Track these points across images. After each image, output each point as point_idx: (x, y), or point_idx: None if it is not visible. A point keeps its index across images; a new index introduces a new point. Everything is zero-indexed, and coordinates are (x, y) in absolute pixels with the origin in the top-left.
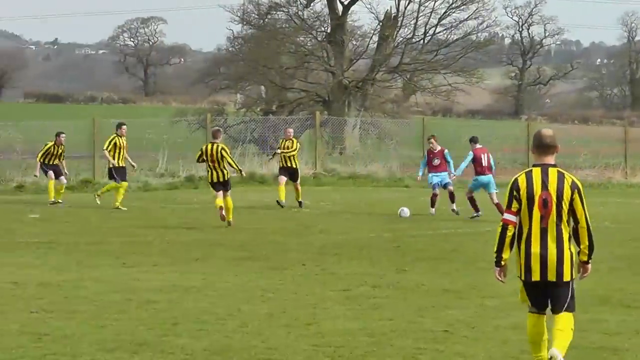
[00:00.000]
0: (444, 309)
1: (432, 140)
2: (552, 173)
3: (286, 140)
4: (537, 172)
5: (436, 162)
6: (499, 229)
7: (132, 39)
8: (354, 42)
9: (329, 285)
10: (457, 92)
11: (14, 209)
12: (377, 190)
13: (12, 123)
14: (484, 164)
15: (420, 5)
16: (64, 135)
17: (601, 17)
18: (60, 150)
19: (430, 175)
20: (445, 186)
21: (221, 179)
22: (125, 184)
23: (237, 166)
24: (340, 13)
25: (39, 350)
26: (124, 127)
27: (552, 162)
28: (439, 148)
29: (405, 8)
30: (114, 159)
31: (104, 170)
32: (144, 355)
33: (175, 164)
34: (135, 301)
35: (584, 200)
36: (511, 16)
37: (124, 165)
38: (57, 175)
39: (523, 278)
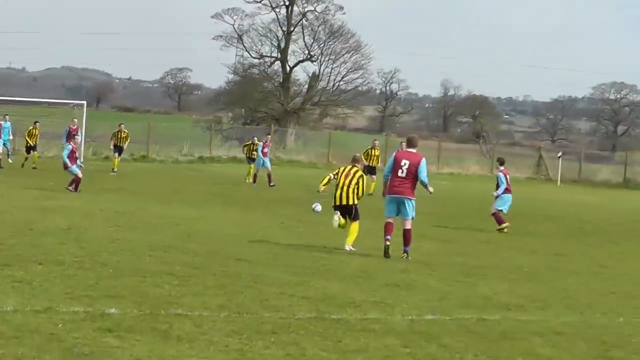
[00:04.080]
0: None
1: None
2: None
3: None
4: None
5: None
6: None
7: None
8: (295, 88)
9: None
10: (348, 117)
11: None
12: (305, 170)
13: None
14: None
15: (332, 69)
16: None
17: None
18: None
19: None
20: None
21: None
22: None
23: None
24: (288, 71)
25: (115, 248)
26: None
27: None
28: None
29: (324, 70)
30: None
31: None
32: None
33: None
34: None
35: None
36: (380, 77)
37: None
38: None
39: None
